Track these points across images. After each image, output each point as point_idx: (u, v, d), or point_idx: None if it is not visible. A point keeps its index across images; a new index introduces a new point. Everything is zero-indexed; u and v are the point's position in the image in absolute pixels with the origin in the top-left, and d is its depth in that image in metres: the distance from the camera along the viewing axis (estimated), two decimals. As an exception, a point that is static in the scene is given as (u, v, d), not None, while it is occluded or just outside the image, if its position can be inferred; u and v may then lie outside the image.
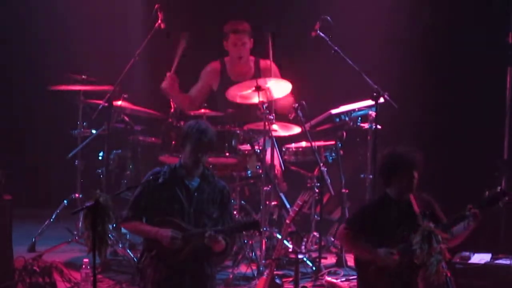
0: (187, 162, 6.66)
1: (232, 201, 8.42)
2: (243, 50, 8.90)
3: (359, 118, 8.69)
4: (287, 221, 7.12)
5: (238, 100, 8.49)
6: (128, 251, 8.28)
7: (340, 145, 8.62)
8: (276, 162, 8.49)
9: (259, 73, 8.90)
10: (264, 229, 8.23)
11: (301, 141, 8.74)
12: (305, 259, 8.17)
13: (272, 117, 8.27)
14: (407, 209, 6.48)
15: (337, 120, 8.67)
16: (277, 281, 7.12)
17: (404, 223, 6.44)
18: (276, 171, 8.56)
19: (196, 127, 6.64)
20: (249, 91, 8.35)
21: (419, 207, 6.46)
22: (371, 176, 8.55)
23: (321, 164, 8.32)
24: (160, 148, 8.51)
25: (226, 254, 6.79)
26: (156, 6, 8.61)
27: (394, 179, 6.53)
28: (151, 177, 6.67)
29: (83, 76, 8.99)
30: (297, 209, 7.01)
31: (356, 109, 8.67)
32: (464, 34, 9.41)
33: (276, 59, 8.88)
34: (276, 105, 8.56)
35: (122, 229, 8.29)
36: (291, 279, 7.57)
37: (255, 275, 7.93)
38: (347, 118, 8.66)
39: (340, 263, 8.38)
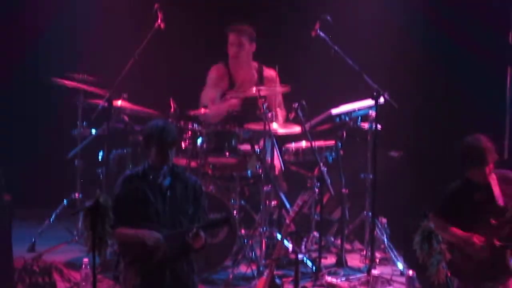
0: (156, 162, 6.63)
1: (232, 201, 8.42)
2: (240, 50, 8.87)
3: (359, 118, 8.68)
4: (287, 221, 7.12)
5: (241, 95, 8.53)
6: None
7: (340, 145, 8.61)
8: (276, 162, 8.49)
9: (262, 81, 8.89)
10: (264, 229, 8.25)
11: (301, 141, 8.74)
12: (305, 259, 8.17)
13: (271, 115, 8.29)
14: (488, 192, 6.81)
15: (337, 120, 8.66)
16: (277, 281, 7.12)
17: (486, 207, 6.72)
18: (277, 171, 8.57)
19: (156, 126, 6.63)
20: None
21: (502, 188, 6.82)
22: (371, 176, 8.54)
23: (321, 164, 8.32)
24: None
25: (204, 249, 6.72)
26: (156, 6, 8.60)
27: (469, 167, 6.89)
28: (123, 183, 6.65)
29: (83, 76, 9.00)
30: (297, 209, 7.01)
31: (356, 109, 8.67)
32: (464, 34, 9.41)
33: (276, 59, 8.87)
34: None
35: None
36: (291, 279, 7.57)
37: (255, 275, 7.93)
38: (347, 118, 8.66)
39: (340, 263, 8.39)
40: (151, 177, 6.62)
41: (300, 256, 7.76)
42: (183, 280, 6.56)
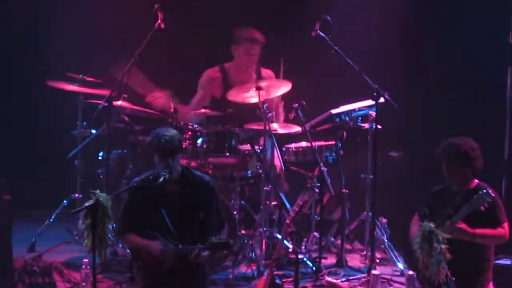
0: (160, 170, 6.59)
1: (232, 201, 8.42)
2: (254, 60, 8.88)
3: (359, 118, 8.68)
4: (287, 221, 7.12)
5: (240, 100, 8.49)
6: (128, 251, 8.28)
7: (340, 145, 8.62)
8: (278, 161, 8.49)
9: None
10: (264, 229, 8.25)
11: (301, 141, 8.74)
12: (305, 259, 8.17)
13: (271, 115, 8.28)
14: (453, 200, 6.71)
15: (337, 120, 8.67)
16: (277, 281, 7.12)
17: (443, 214, 6.65)
18: (278, 171, 8.57)
19: (157, 135, 6.59)
20: (251, 91, 8.36)
21: (471, 199, 6.61)
22: (371, 176, 8.54)
23: (321, 164, 8.32)
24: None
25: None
26: (156, 6, 8.59)
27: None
28: (131, 190, 6.62)
29: (82, 76, 9.00)
30: (297, 209, 7.01)
31: (356, 109, 8.67)
32: (465, 34, 9.41)
33: (276, 59, 8.87)
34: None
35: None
36: (291, 279, 7.57)
37: (255, 275, 7.93)
38: (347, 118, 8.66)
39: (340, 263, 8.39)
40: (159, 184, 6.57)
41: (300, 256, 7.76)
42: (193, 282, 6.56)
